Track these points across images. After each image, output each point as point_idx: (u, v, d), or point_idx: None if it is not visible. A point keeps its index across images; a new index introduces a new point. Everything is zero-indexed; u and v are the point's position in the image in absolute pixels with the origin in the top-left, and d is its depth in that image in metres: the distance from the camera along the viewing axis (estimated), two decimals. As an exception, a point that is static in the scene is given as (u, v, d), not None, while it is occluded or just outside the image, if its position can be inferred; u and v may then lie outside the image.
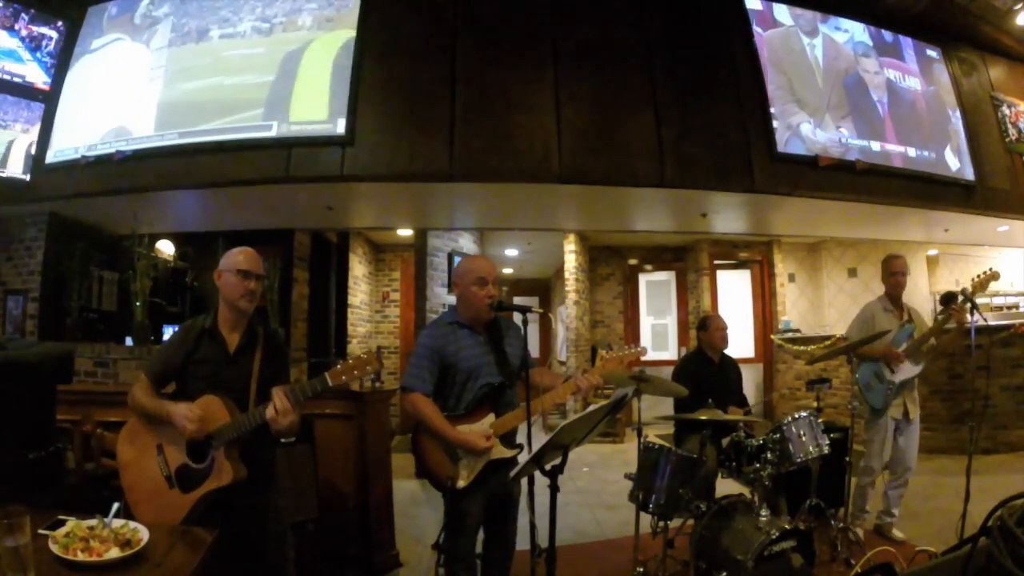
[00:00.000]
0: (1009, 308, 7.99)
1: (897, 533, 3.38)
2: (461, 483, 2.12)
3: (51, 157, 4.60)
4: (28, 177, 4.58)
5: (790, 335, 7.67)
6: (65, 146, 4.59)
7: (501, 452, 2.16)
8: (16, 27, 4.56)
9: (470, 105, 4.22)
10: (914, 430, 3.42)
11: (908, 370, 3.31)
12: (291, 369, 2.77)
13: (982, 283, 3.07)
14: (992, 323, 5.75)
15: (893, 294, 3.46)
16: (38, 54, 4.66)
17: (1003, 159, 5.51)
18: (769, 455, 2.86)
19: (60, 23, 4.77)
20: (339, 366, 1.88)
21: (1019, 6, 5.22)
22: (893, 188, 4.89)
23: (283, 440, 2.61)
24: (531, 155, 4.22)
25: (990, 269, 3.18)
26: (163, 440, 1.94)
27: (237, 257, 2.03)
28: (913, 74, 5.34)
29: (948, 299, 3.04)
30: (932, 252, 8.36)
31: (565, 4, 4.51)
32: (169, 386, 2.06)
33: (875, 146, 4.89)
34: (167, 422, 1.89)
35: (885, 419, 3.36)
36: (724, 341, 3.53)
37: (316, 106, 4.20)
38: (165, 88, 4.46)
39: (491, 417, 2.18)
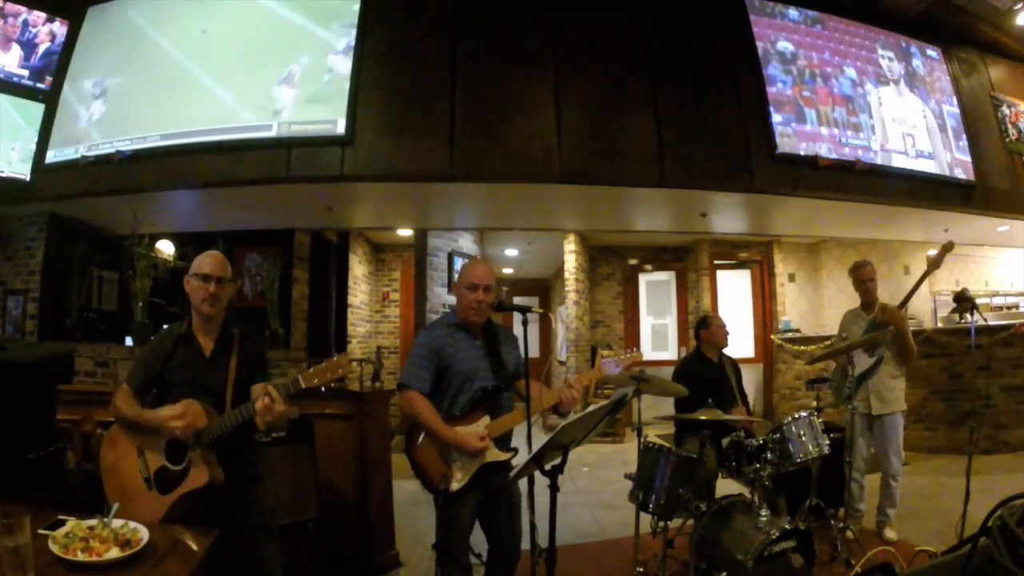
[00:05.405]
0: (1009, 308, 7.98)
1: (889, 533, 3.34)
2: (455, 485, 2.11)
3: (52, 157, 4.59)
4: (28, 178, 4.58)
5: (790, 335, 7.67)
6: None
7: (495, 455, 2.16)
8: (16, 25, 4.55)
9: (470, 105, 4.22)
10: (888, 428, 3.37)
11: (864, 362, 3.37)
12: (291, 370, 2.77)
13: (935, 261, 3.23)
14: (992, 323, 5.74)
15: (864, 300, 3.59)
16: (41, 51, 4.66)
17: (1003, 159, 5.51)
18: (769, 455, 2.86)
19: (62, 22, 4.76)
20: (311, 369, 1.90)
21: (1019, 6, 5.23)
22: (893, 188, 4.89)
23: (274, 435, 2.62)
24: (531, 155, 4.22)
25: (949, 242, 3.36)
26: (143, 443, 1.97)
27: (201, 261, 2.06)
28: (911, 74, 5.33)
29: (960, 299, 3.10)
30: (932, 252, 8.33)
31: (564, 4, 4.51)
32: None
33: (875, 146, 4.89)
34: (154, 430, 1.90)
35: (851, 414, 3.39)
36: (726, 339, 3.58)
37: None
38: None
39: (486, 419, 2.18)
